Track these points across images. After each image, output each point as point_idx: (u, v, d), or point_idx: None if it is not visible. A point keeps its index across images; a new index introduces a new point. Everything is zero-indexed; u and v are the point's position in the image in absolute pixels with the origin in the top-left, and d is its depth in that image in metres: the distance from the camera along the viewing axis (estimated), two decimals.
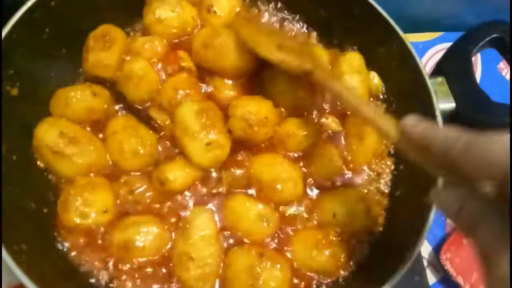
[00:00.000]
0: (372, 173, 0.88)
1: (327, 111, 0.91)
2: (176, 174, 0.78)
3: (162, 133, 0.84)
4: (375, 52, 0.93)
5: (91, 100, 0.82)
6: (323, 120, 0.88)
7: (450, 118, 0.82)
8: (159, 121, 0.84)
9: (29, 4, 0.77)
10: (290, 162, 0.83)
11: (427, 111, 0.81)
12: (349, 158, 0.87)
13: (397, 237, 0.79)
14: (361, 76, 0.91)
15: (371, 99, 0.95)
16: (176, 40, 0.91)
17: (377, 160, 0.89)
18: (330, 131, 0.89)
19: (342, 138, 0.89)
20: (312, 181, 0.85)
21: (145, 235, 0.74)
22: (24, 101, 0.79)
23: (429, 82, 0.82)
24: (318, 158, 0.85)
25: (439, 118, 0.80)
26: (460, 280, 0.97)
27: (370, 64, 0.96)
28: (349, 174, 0.87)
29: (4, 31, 0.74)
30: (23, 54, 0.79)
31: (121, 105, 0.86)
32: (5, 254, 0.63)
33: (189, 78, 0.86)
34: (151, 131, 0.83)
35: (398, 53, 0.87)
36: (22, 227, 0.71)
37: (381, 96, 0.95)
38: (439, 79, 0.85)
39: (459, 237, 1.02)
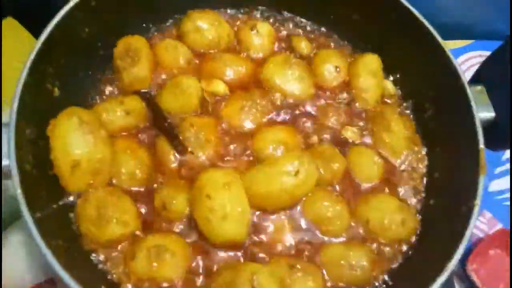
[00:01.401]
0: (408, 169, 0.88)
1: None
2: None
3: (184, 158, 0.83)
4: (410, 57, 0.93)
5: (123, 119, 0.84)
6: (343, 133, 0.90)
7: (489, 127, 0.81)
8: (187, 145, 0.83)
9: (71, 3, 0.79)
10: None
11: (466, 120, 0.80)
12: (386, 154, 0.88)
13: (433, 248, 0.78)
14: (376, 80, 0.93)
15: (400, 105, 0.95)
16: (202, 51, 0.95)
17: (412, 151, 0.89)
18: (351, 141, 0.89)
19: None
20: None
21: None
22: (66, 100, 0.80)
23: (469, 90, 0.81)
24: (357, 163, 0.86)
25: (478, 128, 0.79)
26: None
27: (402, 70, 0.96)
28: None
29: (47, 30, 0.76)
30: (62, 52, 0.80)
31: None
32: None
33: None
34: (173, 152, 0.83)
35: (436, 60, 0.86)
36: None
37: (412, 102, 0.95)
38: (479, 87, 0.84)
39: (485, 247, 1.01)
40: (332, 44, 1.02)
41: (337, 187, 0.85)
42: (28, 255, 0.88)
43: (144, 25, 0.97)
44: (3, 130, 0.69)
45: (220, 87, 0.89)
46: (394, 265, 0.80)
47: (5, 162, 0.67)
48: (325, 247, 0.79)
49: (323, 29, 1.04)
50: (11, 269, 0.87)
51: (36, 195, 0.69)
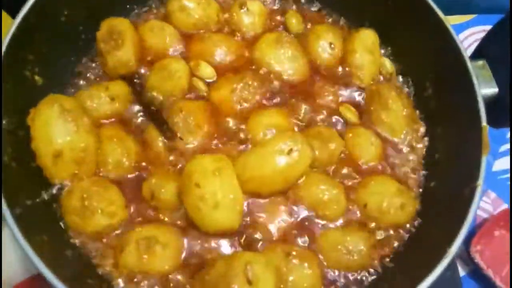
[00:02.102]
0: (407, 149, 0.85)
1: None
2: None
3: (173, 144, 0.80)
4: (409, 34, 0.89)
5: (108, 105, 0.81)
6: (341, 112, 0.86)
7: (492, 103, 0.77)
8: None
9: None
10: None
11: (468, 96, 0.77)
12: (384, 134, 0.85)
13: (434, 232, 0.75)
14: (373, 57, 0.90)
15: (398, 83, 0.92)
16: (192, 32, 0.91)
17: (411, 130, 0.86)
18: (348, 121, 0.86)
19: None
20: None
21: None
22: (47, 87, 0.78)
23: (470, 65, 0.77)
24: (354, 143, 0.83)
25: (481, 104, 0.75)
26: (490, 273, 0.94)
27: (400, 47, 0.92)
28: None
29: (20, 15, 0.73)
30: (40, 37, 0.77)
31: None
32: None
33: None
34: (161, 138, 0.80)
35: (437, 36, 0.82)
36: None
37: (412, 80, 0.91)
38: (480, 62, 0.80)
39: (490, 229, 0.98)
40: (327, 20, 0.98)
41: (334, 170, 0.82)
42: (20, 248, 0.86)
43: (128, 6, 0.93)
44: None
45: (207, 70, 0.86)
46: (394, 250, 0.78)
47: None
48: (322, 232, 0.77)
49: (317, 4, 0.99)
50: (3, 263, 0.85)
51: (16, 188, 0.66)
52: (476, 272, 0.97)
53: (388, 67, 0.92)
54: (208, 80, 0.87)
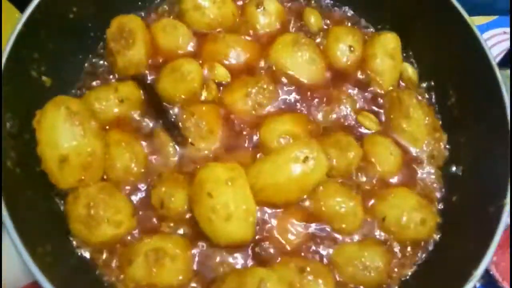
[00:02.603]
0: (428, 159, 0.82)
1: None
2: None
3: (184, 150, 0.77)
4: (432, 37, 0.86)
5: (117, 107, 0.78)
6: (360, 120, 0.83)
7: None
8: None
9: None
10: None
11: (495, 105, 0.73)
12: (405, 143, 0.82)
13: (456, 252, 0.72)
14: (394, 62, 0.86)
15: (420, 89, 0.89)
16: (206, 31, 0.87)
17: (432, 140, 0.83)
18: (367, 130, 0.83)
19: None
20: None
21: None
22: (53, 88, 0.75)
23: (498, 73, 0.73)
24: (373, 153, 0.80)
25: (508, 114, 0.72)
26: (505, 285, 0.91)
27: (423, 52, 0.89)
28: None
29: (28, 10, 0.70)
30: (47, 35, 0.74)
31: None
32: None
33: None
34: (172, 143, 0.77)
35: (461, 40, 0.79)
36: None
37: (434, 88, 0.88)
38: (508, 71, 0.76)
39: (505, 240, 0.94)
40: (347, 22, 0.94)
41: (351, 180, 0.79)
42: None
43: (139, 3, 0.89)
44: None
45: (222, 72, 0.83)
46: (412, 269, 0.75)
47: None
48: (338, 246, 0.74)
49: (338, 5, 0.95)
50: (5, 267, 0.83)
51: (19, 194, 0.64)
52: (491, 284, 0.92)
53: (410, 73, 0.88)
54: (222, 82, 0.83)
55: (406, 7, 0.87)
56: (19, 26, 0.68)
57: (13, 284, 0.82)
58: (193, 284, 0.70)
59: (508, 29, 1.21)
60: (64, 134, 0.68)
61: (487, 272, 0.92)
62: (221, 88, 0.83)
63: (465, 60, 0.80)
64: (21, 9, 0.97)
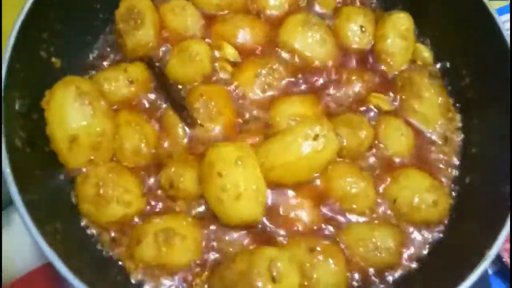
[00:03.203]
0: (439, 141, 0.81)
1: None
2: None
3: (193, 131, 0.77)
4: (446, 18, 0.84)
5: (127, 88, 0.78)
6: (372, 100, 0.82)
7: None
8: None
9: None
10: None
11: (509, 88, 0.72)
12: (417, 124, 0.81)
13: (468, 234, 0.71)
14: (406, 42, 0.85)
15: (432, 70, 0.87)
16: (215, 13, 0.87)
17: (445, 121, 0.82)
18: (378, 110, 0.82)
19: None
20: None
21: None
22: (63, 69, 0.75)
23: None
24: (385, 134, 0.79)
25: None
26: None
27: (437, 32, 0.87)
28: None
29: None
30: (56, 15, 0.74)
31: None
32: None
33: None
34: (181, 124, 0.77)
35: (477, 20, 0.77)
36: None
37: (448, 68, 0.86)
38: None
39: None
40: (358, 2, 0.92)
41: (363, 161, 0.78)
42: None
43: None
44: None
45: (230, 51, 0.82)
46: (424, 250, 0.74)
47: None
48: (349, 226, 0.74)
49: None
50: (14, 251, 0.83)
51: (29, 174, 0.64)
52: (503, 271, 0.93)
53: (425, 53, 0.87)
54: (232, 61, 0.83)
55: None
56: (28, 5, 0.68)
57: (25, 266, 0.84)
58: (202, 264, 0.70)
59: None
60: (73, 114, 0.69)
61: (499, 259, 0.92)
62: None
63: (481, 42, 0.78)
64: None
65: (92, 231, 0.70)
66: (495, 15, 0.75)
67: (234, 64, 0.82)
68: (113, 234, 0.71)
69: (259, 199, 0.69)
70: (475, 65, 0.81)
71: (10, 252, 0.81)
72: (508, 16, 1.18)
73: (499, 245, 0.63)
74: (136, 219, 0.72)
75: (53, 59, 0.75)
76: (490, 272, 0.96)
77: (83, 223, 0.70)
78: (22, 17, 0.67)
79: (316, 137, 0.69)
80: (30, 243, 0.84)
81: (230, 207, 0.67)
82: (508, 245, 0.93)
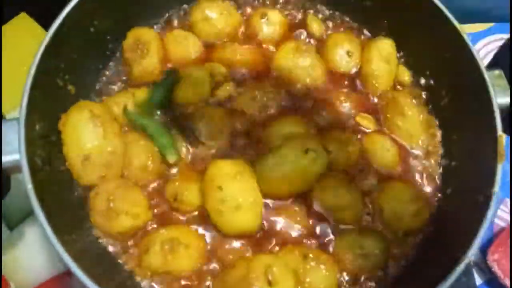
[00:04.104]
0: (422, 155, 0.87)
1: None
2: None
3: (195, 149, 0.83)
4: (425, 43, 0.90)
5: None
6: (358, 120, 0.88)
7: (508, 113, 0.78)
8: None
9: None
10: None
11: (483, 106, 0.77)
12: (401, 140, 0.87)
13: (449, 239, 0.76)
14: (389, 66, 0.91)
15: (414, 90, 0.93)
16: (212, 41, 0.93)
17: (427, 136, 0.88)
18: (365, 129, 0.88)
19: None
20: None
21: None
22: (77, 94, 0.82)
23: (486, 75, 0.78)
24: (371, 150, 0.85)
25: (497, 113, 0.76)
26: (507, 282, 0.95)
27: (417, 56, 0.93)
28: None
29: (53, 27, 0.76)
30: (71, 46, 0.80)
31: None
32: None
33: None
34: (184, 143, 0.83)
35: (452, 45, 0.83)
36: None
37: (428, 89, 0.92)
38: (497, 72, 0.80)
39: (507, 237, 0.98)
40: (344, 28, 0.99)
41: (351, 174, 0.83)
42: (45, 247, 0.90)
43: (153, 16, 0.96)
44: (11, 124, 0.69)
45: (221, 70, 0.88)
46: (409, 255, 0.79)
47: (14, 156, 0.67)
48: (339, 235, 0.79)
49: (337, 13, 1.00)
50: (29, 262, 0.89)
51: (47, 190, 0.69)
52: (493, 281, 0.97)
53: (405, 76, 0.93)
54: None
55: (401, 15, 0.91)
56: (46, 40, 0.74)
57: (36, 278, 0.89)
58: (205, 271, 0.75)
59: (505, 35, 1.25)
60: (87, 135, 0.75)
61: (489, 269, 0.96)
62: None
63: (456, 64, 0.84)
64: (44, 25, 1.07)
65: (104, 241, 0.76)
66: (467, 39, 0.81)
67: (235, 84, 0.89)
68: (123, 245, 0.76)
69: (256, 210, 0.74)
70: (452, 86, 0.86)
71: (22, 266, 0.88)
72: (487, 40, 1.26)
73: (475, 247, 0.68)
74: (143, 230, 0.77)
75: (69, 87, 0.81)
76: (480, 282, 1.00)
77: (95, 234, 0.76)
78: (41, 50, 0.73)
79: (306, 151, 0.75)
80: (42, 256, 0.90)
81: (230, 218, 0.73)
82: (497, 256, 0.97)
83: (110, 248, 0.76)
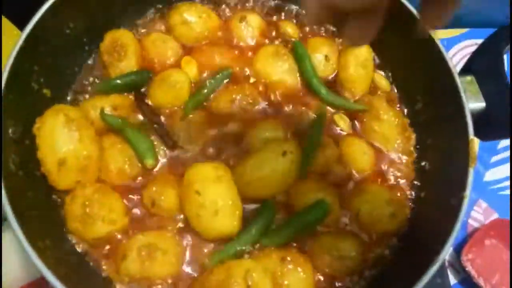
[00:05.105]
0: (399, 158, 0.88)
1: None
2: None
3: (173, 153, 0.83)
4: (399, 48, 0.91)
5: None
6: (336, 121, 0.89)
7: (480, 118, 0.80)
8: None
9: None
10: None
11: (456, 111, 0.79)
12: (377, 144, 0.88)
13: (423, 241, 0.78)
14: (366, 71, 0.92)
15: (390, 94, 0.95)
16: (190, 44, 0.93)
17: (403, 140, 0.89)
18: (339, 129, 0.89)
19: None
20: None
21: None
22: (52, 98, 0.81)
23: (458, 81, 0.80)
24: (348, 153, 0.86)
25: (469, 119, 0.78)
26: (481, 281, 0.97)
27: (393, 62, 0.95)
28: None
29: (28, 28, 0.75)
30: (46, 49, 0.79)
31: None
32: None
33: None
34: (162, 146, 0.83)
35: (426, 50, 0.84)
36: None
37: (403, 94, 0.94)
38: (468, 78, 0.82)
39: (481, 238, 1.01)
40: (322, 32, 0.99)
41: (328, 177, 0.84)
42: (21, 253, 0.88)
43: (130, 18, 0.94)
44: None
45: (193, 70, 0.89)
46: (385, 257, 0.80)
47: None
48: (315, 238, 0.79)
49: None
50: (5, 267, 0.87)
51: (21, 195, 0.69)
52: (467, 280, 0.99)
53: (382, 81, 0.94)
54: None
55: None
56: (20, 42, 0.73)
57: (13, 283, 0.87)
58: (183, 275, 0.75)
59: (479, 41, 1.28)
60: (62, 139, 0.74)
61: (463, 269, 0.98)
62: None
63: (430, 69, 0.86)
64: (20, 27, 1.04)
65: (80, 247, 0.75)
66: (440, 45, 0.82)
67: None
68: (100, 251, 0.75)
69: (235, 213, 0.74)
70: (426, 90, 0.88)
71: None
72: (461, 45, 1.28)
73: (448, 249, 0.70)
74: (120, 236, 0.76)
75: (44, 90, 0.80)
76: (454, 281, 1.02)
77: (71, 240, 0.75)
78: (14, 52, 0.72)
79: (284, 154, 0.76)
80: (18, 261, 0.88)
81: (209, 223, 0.73)
82: (471, 255, 1.00)
83: (87, 254, 0.75)
